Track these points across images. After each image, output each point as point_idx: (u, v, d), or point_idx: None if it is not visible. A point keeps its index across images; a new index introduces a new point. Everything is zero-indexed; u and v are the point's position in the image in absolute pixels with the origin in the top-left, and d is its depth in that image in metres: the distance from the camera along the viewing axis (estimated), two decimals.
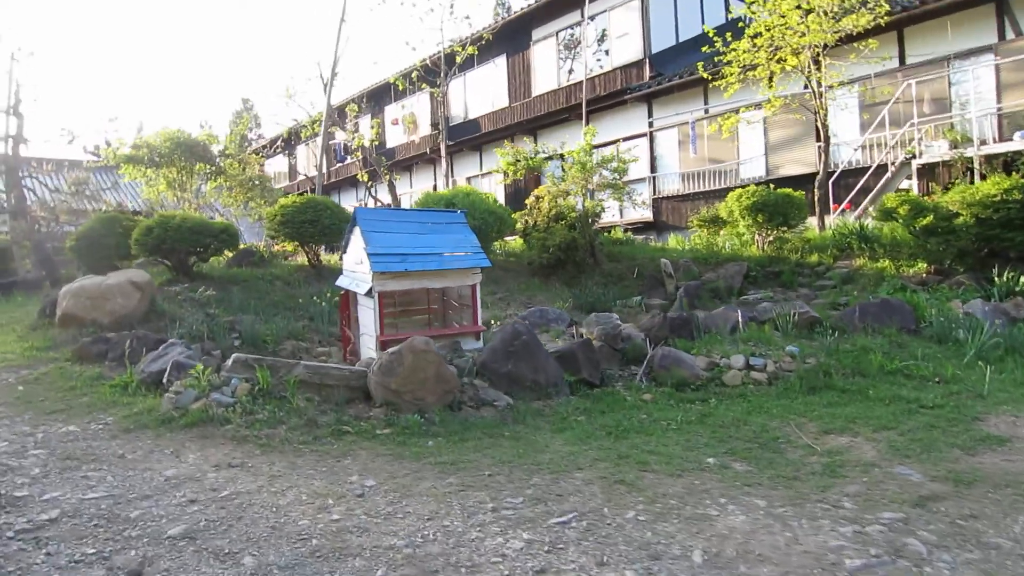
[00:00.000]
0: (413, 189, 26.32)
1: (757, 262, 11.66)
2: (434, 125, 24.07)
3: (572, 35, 20.33)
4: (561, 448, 5.32)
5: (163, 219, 9.59)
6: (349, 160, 27.95)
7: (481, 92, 22.99)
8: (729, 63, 12.46)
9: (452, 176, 21.42)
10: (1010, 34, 12.03)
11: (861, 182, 12.92)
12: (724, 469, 4.84)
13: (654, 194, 18.00)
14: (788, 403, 6.18)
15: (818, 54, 11.97)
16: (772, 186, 12.08)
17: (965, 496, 4.13)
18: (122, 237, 11.59)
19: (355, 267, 7.63)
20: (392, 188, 23.24)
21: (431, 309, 8.56)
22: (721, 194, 16.26)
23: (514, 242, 13.61)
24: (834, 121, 13.57)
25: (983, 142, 11.84)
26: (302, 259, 11.73)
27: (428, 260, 7.38)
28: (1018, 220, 9.20)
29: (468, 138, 23.19)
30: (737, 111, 15.35)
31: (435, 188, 25.51)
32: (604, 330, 7.39)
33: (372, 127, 23.11)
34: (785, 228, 11.66)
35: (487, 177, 23.11)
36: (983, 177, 11.50)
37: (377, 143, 23.53)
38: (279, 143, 28.20)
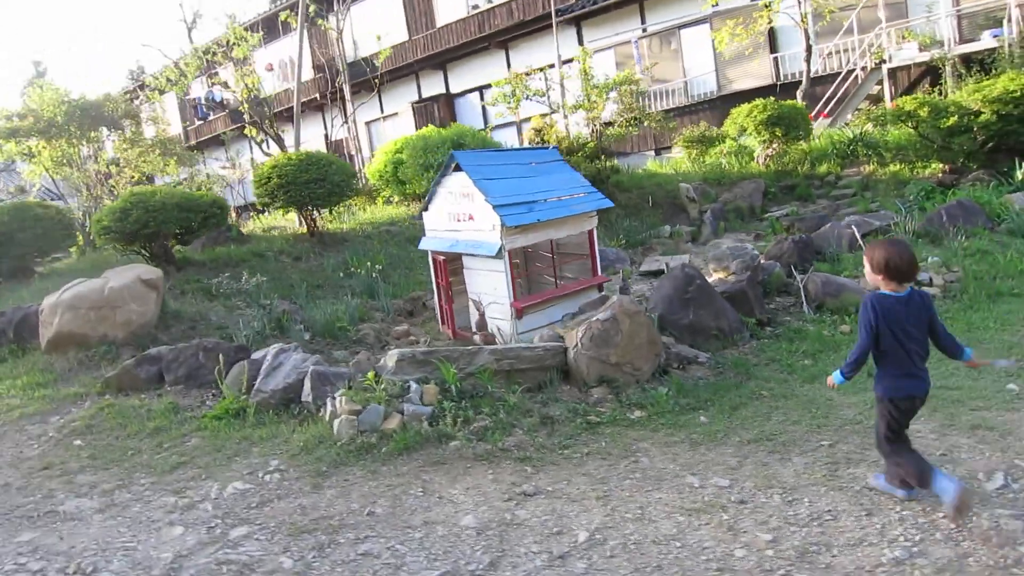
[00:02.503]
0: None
1: (766, 178, 11.41)
2: (317, 68, 21.63)
3: None
4: (847, 400, 4.64)
5: (140, 197, 7.47)
6: (212, 117, 24.63)
7: (373, 27, 20.80)
8: None
9: (354, 121, 19.32)
10: None
11: (830, 90, 12.98)
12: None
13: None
14: (988, 315, 5.88)
15: None
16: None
17: None
18: (40, 229, 9.19)
19: (456, 225, 6.34)
20: (280, 141, 20.82)
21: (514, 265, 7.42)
22: (668, 114, 15.88)
23: None
24: (791, 30, 13.46)
25: (931, 45, 12.21)
26: (292, 227, 9.85)
27: (554, 207, 6.27)
28: (1021, 115, 9.47)
29: (365, 79, 21.00)
30: (682, 26, 14.95)
31: (327, 137, 23.20)
32: (744, 263, 6.69)
33: (244, 75, 20.36)
34: (794, 141, 11.46)
35: (389, 120, 21.23)
36: (959, 77, 11.87)
37: (255, 93, 20.82)
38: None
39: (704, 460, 3.98)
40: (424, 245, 6.76)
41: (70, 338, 6.36)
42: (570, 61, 17.31)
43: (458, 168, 6.22)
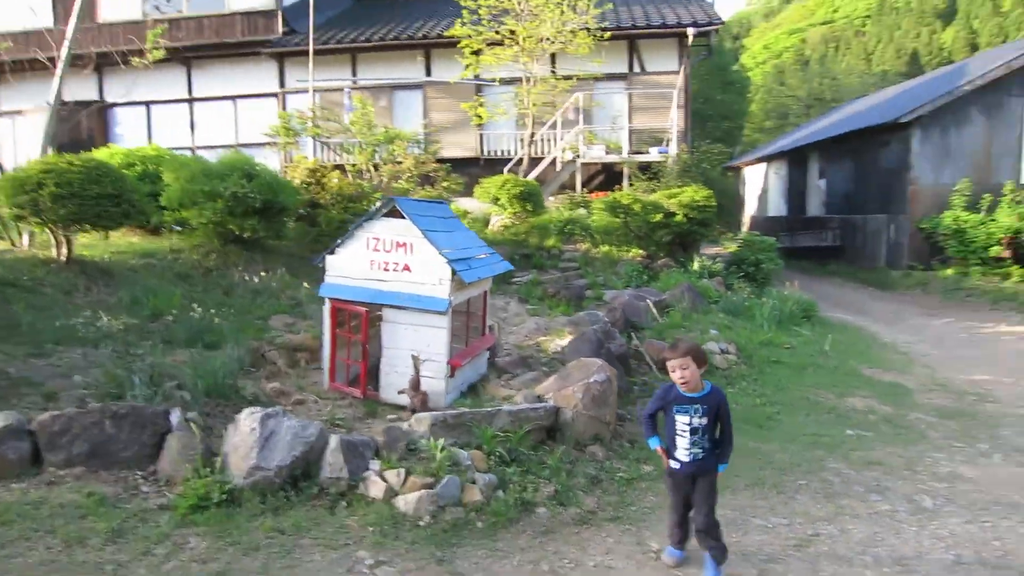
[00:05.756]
0: None
1: (502, 244, 12.52)
2: None
3: None
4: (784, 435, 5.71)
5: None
6: None
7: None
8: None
9: None
10: (637, 68, 15.60)
11: (533, 173, 14.85)
12: (861, 438, 6.12)
13: (285, 163, 16.46)
14: (781, 378, 7.67)
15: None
16: None
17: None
18: None
19: (382, 275, 5.87)
20: None
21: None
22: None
23: None
24: (495, 115, 15.16)
25: (613, 150, 15.20)
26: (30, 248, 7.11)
27: (483, 265, 6.30)
28: (702, 219, 12.50)
29: None
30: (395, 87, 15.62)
31: None
32: (601, 328, 7.53)
33: None
34: (536, 215, 12.80)
35: (14, 117, 16.92)
36: (630, 178, 14.81)
37: None
38: None
39: (762, 504, 4.57)
40: (327, 292, 6.01)
41: None
42: (274, 96, 16.49)
43: (394, 214, 5.82)
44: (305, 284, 8.38)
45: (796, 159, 23.16)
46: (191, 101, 17.29)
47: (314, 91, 15.05)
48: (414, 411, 5.51)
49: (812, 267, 19.37)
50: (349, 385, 6.17)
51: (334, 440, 4.13)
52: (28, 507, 3.71)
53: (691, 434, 3.50)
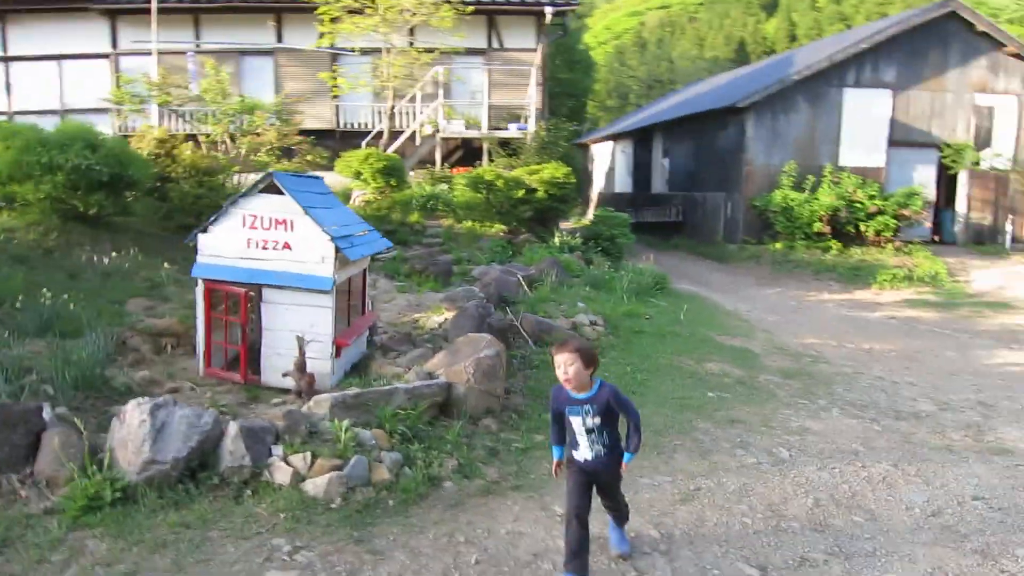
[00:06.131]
0: None
1: (365, 219, 12.31)
2: None
3: None
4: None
5: None
6: None
7: None
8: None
9: None
10: (496, 44, 15.69)
11: (393, 146, 14.63)
12: (721, 399, 6.76)
13: (118, 132, 15.09)
14: (644, 345, 8.20)
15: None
16: None
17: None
18: None
19: (260, 253, 5.67)
20: None
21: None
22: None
23: None
24: (355, 87, 14.79)
25: (473, 126, 15.32)
26: None
27: (365, 242, 6.24)
28: (562, 195, 12.98)
29: None
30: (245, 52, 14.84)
31: None
32: (478, 304, 7.69)
33: None
34: (399, 190, 12.62)
35: None
36: (490, 154, 15.01)
37: None
38: None
39: (646, 464, 4.93)
40: (200, 273, 5.70)
41: None
42: (105, 57, 15.04)
43: (272, 190, 5.61)
44: (166, 264, 7.85)
45: (641, 138, 24.43)
46: (6, 60, 15.36)
47: (153, 54, 13.89)
48: (299, 394, 5.43)
49: (657, 241, 20.64)
50: (227, 370, 5.92)
51: (233, 427, 4.01)
52: None
53: (588, 434, 3.45)
